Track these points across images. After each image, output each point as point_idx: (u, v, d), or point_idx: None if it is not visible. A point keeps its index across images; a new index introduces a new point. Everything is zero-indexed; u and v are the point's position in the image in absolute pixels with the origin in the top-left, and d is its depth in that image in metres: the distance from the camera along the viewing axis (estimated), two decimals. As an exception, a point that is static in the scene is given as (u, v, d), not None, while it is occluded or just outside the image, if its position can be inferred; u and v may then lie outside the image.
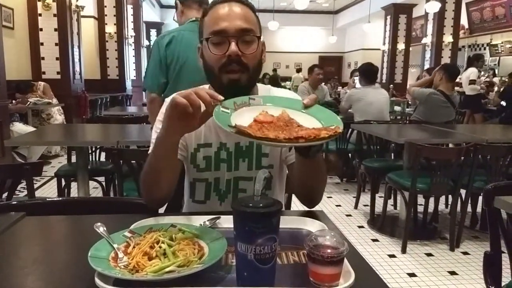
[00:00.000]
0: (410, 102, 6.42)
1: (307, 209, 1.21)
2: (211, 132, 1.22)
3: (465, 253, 2.96)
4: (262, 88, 1.29)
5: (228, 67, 1.10)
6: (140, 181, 1.13)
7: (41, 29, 6.18)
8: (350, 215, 3.76)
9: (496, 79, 9.37)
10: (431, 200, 3.47)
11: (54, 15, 6.20)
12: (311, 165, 1.09)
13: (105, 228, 0.89)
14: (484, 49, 11.65)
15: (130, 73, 9.74)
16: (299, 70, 14.36)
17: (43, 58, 6.24)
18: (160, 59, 2.25)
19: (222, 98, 0.91)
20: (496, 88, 8.41)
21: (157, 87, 2.29)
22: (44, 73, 6.23)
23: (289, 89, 10.27)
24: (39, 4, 6.11)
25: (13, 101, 5.15)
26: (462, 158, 2.84)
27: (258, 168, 1.23)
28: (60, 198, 1.80)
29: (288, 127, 0.86)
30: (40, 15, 6.15)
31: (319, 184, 1.17)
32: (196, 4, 2.38)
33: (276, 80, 7.83)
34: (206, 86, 1.28)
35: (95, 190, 3.88)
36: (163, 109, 1.23)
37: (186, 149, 1.24)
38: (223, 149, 1.23)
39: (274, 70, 15.60)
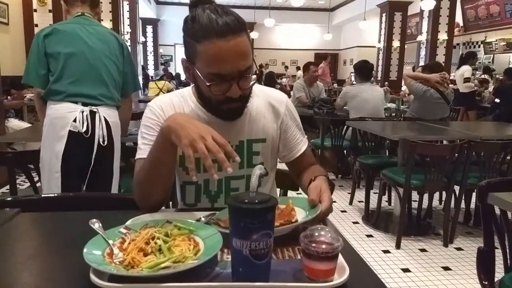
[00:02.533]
0: (403, 92, 6.46)
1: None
2: None
3: (458, 248, 2.98)
4: None
5: (228, 103, 1.10)
6: (134, 186, 1.12)
7: (36, 25, 6.12)
8: (345, 211, 3.78)
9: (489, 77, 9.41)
10: (425, 196, 3.49)
11: (50, 11, 6.15)
12: None
13: (100, 224, 0.89)
14: (479, 46, 11.69)
15: (126, 70, 9.67)
16: (298, 68, 14.65)
17: (38, 54, 6.19)
18: (39, 50, 2.16)
19: (239, 159, 0.98)
20: (491, 86, 8.45)
21: (38, 80, 2.17)
22: (39, 69, 6.19)
23: (284, 85, 10.27)
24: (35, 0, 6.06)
25: (8, 97, 5.11)
26: (456, 154, 2.86)
27: (250, 166, 1.22)
28: (55, 194, 1.80)
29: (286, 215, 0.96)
30: (35, 10, 6.09)
31: None
32: (78, 1, 2.31)
33: (272, 78, 7.80)
34: (190, 101, 1.24)
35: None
36: (148, 114, 1.21)
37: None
38: None
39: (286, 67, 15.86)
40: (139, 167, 1.13)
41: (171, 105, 1.22)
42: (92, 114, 2.15)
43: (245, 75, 1.07)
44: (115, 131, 2.23)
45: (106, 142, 2.16)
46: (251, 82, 1.11)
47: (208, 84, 1.06)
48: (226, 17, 1.04)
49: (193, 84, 1.18)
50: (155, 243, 0.80)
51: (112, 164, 2.23)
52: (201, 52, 1.05)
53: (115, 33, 2.35)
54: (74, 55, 2.16)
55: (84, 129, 2.11)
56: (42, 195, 1.37)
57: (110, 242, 0.83)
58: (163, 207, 1.16)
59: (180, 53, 17.35)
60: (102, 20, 8.65)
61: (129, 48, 10.18)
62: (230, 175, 1.24)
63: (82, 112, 2.12)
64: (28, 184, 2.29)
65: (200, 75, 1.07)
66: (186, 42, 1.10)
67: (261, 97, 1.27)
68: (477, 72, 9.78)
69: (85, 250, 0.78)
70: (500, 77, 8.34)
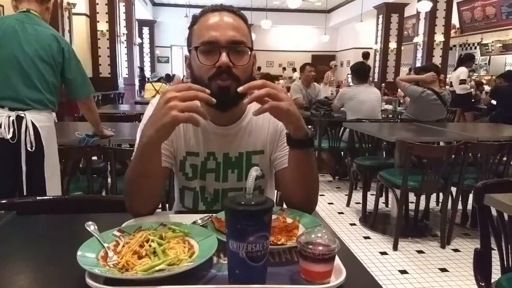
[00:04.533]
0: (398, 97, 6.49)
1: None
2: (199, 140, 1.19)
3: (455, 250, 2.98)
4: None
5: (218, 77, 1.06)
6: (123, 192, 1.07)
7: (31, 27, 6.11)
8: (342, 213, 3.77)
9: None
10: (422, 197, 3.50)
11: (45, 12, 6.14)
12: (304, 158, 1.06)
13: (96, 227, 0.88)
14: (475, 48, 11.74)
15: (122, 71, 9.67)
16: (294, 70, 14.73)
17: (33, 56, 6.17)
18: None
19: (208, 91, 0.90)
20: (487, 87, 8.49)
21: None
22: (35, 71, 6.16)
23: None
24: (30, 1, 6.05)
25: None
26: (453, 156, 2.86)
27: None
28: (51, 197, 1.79)
29: (289, 231, 0.93)
30: (30, 12, 6.08)
31: (313, 180, 1.11)
32: None
33: (269, 79, 7.79)
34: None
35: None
36: (149, 112, 1.17)
37: (174, 156, 1.20)
38: (211, 159, 1.20)
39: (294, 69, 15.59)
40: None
41: None
42: (19, 119, 2.10)
43: (236, 48, 1.07)
44: (46, 135, 2.17)
45: (34, 148, 2.11)
46: (244, 62, 1.08)
47: (196, 47, 1.07)
48: (227, 6, 1.13)
49: (191, 76, 1.15)
50: (150, 245, 0.80)
51: (43, 169, 2.17)
52: (196, 29, 1.11)
53: (58, 35, 2.29)
54: (5, 56, 2.12)
55: (10, 135, 2.06)
56: (38, 198, 1.36)
57: (105, 245, 0.82)
58: (159, 210, 1.15)
59: (176, 55, 17.35)
60: (98, 21, 8.65)
61: (126, 49, 10.18)
62: (229, 187, 1.22)
63: (9, 117, 2.08)
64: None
65: (193, 52, 1.09)
66: (188, 33, 1.14)
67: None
68: (475, 74, 9.82)
69: (78, 253, 0.77)
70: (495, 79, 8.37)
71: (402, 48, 11.22)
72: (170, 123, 0.88)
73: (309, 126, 1.04)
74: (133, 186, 1.03)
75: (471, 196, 3.21)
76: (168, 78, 10.69)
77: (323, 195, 4.29)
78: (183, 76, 13.30)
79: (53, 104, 2.25)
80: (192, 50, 1.10)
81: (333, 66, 9.92)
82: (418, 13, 9.66)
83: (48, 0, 2.34)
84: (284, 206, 1.17)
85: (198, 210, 1.24)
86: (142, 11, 13.64)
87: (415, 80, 4.19)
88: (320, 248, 0.74)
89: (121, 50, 9.55)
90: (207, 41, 1.06)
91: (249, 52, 1.10)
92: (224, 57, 1.04)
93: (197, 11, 1.19)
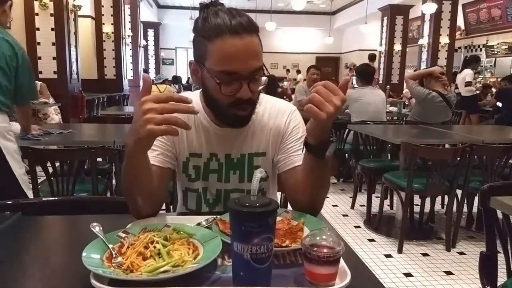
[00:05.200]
0: (403, 99, 6.47)
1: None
2: (201, 141, 1.19)
3: (461, 253, 2.97)
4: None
5: (237, 106, 1.05)
6: (123, 194, 1.06)
7: (37, 29, 6.14)
8: (346, 215, 3.76)
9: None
10: (427, 200, 3.48)
11: (51, 15, 6.16)
12: (316, 165, 1.04)
13: (101, 228, 0.89)
14: (480, 50, 11.69)
15: (127, 73, 9.71)
16: (299, 72, 14.84)
17: (39, 58, 6.20)
18: None
19: (190, 100, 0.87)
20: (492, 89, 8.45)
21: None
22: (41, 72, 6.19)
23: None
24: (36, 3, 6.07)
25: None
26: (458, 158, 2.85)
27: (251, 181, 1.18)
28: (56, 198, 1.80)
29: (293, 233, 0.92)
30: (37, 14, 6.11)
31: (322, 188, 1.11)
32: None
33: (274, 82, 7.79)
34: (197, 108, 1.13)
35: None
36: None
37: (176, 157, 1.19)
38: (214, 160, 1.20)
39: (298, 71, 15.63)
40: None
41: None
42: None
43: (255, 76, 1.05)
44: (2, 136, 2.18)
45: None
46: (261, 86, 1.08)
47: (218, 81, 1.02)
48: (240, 17, 1.03)
49: (201, 89, 1.14)
50: (154, 247, 0.80)
51: (10, 169, 2.18)
52: (213, 51, 1.02)
53: (12, 41, 2.27)
54: None
55: None
56: (43, 199, 1.36)
57: (110, 246, 0.82)
58: (162, 211, 1.15)
59: (181, 57, 17.40)
60: (103, 24, 8.70)
61: (131, 51, 10.23)
62: (231, 188, 1.23)
63: None
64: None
65: (210, 75, 1.04)
66: (196, 42, 1.08)
67: (266, 109, 1.23)
68: (480, 76, 9.77)
69: (83, 253, 0.77)
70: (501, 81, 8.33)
71: (407, 50, 11.19)
72: (146, 137, 0.87)
73: (332, 139, 1.01)
74: (128, 189, 1.03)
75: (476, 199, 3.20)
76: (176, 80, 10.73)
77: (327, 197, 4.27)
78: (188, 77, 13.35)
79: (7, 107, 2.28)
80: (207, 71, 1.05)
81: (352, 67, 9.90)
82: (423, 15, 9.62)
83: (3, 2, 2.30)
84: (289, 208, 1.16)
85: (201, 212, 1.25)
86: (147, 13, 13.70)
87: (423, 74, 4.17)
88: (325, 250, 0.74)
89: (126, 52, 9.59)
90: (229, 71, 1.02)
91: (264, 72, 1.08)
92: (246, 90, 1.03)
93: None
